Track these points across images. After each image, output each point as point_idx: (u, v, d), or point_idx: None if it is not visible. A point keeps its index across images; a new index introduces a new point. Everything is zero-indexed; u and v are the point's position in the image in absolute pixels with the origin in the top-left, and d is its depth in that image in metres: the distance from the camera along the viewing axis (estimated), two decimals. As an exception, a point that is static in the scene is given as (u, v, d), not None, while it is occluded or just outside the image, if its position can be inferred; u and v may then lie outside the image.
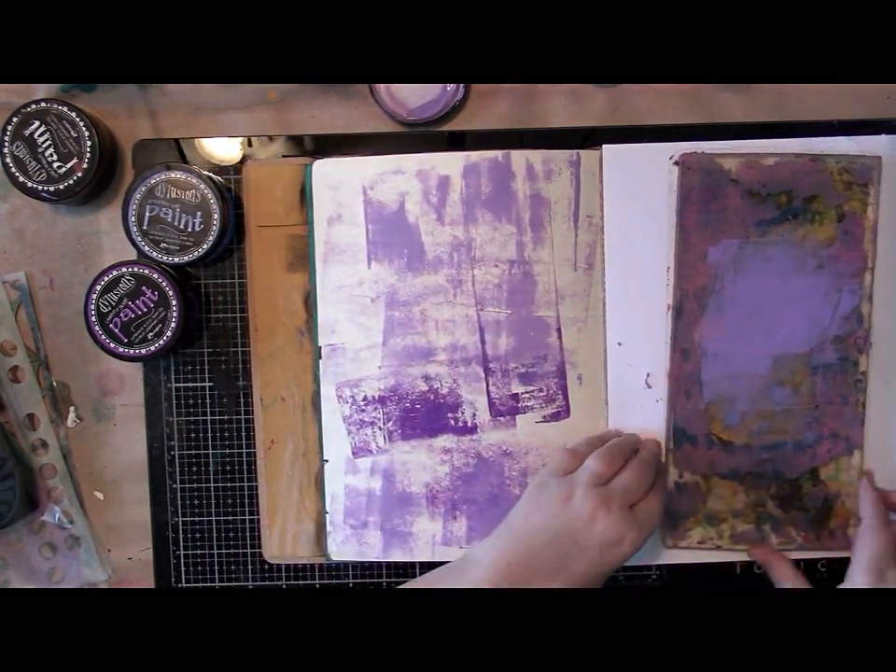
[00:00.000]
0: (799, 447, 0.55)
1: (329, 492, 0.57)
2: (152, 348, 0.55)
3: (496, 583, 0.47)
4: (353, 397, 0.57)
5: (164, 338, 0.55)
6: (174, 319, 0.55)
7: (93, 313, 0.55)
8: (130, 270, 0.54)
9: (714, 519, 0.55)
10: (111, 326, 0.55)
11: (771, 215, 0.54)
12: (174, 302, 0.54)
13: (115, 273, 0.54)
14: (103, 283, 0.55)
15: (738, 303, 0.55)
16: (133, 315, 0.55)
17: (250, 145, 0.58)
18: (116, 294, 0.54)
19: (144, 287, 0.54)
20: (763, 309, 0.55)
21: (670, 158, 0.55)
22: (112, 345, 0.55)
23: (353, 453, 0.57)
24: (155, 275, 0.54)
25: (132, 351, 0.55)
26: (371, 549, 0.57)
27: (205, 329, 0.58)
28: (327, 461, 0.57)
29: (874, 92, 0.58)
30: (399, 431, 0.57)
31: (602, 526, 0.47)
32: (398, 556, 0.57)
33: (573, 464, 0.50)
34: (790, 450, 0.55)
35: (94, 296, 0.55)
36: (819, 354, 0.55)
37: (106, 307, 0.55)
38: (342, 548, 0.57)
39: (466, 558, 0.50)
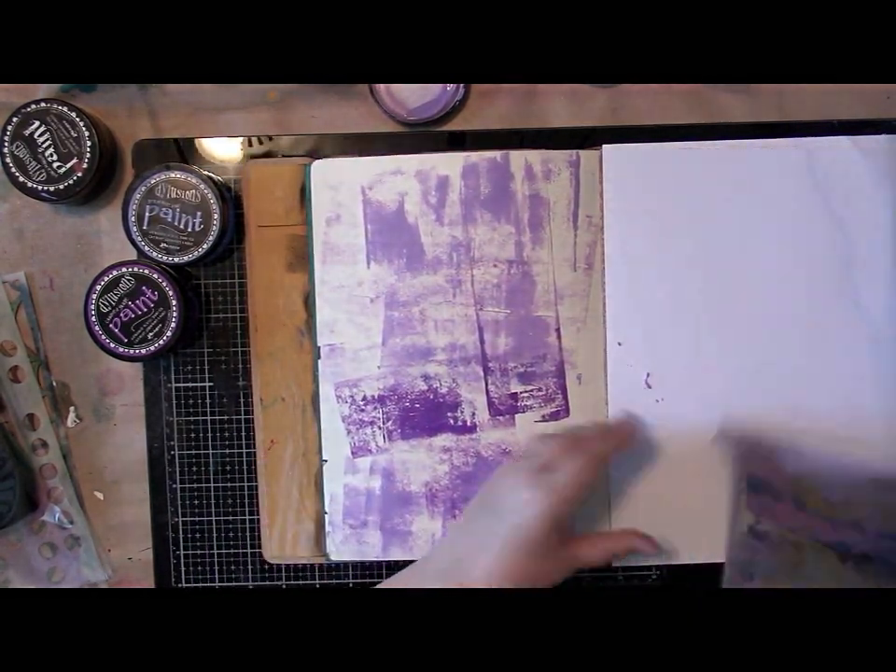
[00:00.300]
0: None
1: (328, 492, 0.57)
2: (152, 348, 0.55)
3: (445, 571, 0.47)
4: (352, 396, 0.57)
5: (164, 338, 0.55)
6: (174, 319, 0.55)
7: (93, 313, 0.55)
8: (130, 270, 0.54)
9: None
10: (111, 326, 0.55)
11: None
12: (174, 302, 0.54)
13: (115, 273, 0.54)
14: (103, 283, 0.55)
15: None
16: (132, 315, 0.55)
17: (250, 145, 0.58)
18: (116, 294, 0.54)
19: (144, 287, 0.54)
20: None
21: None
22: (112, 345, 0.55)
23: (352, 452, 0.57)
24: (155, 275, 0.54)
25: (132, 351, 0.55)
26: (371, 548, 0.57)
27: (205, 329, 0.58)
28: (326, 461, 0.57)
29: (874, 92, 0.58)
30: (399, 431, 0.57)
31: (507, 487, 0.48)
32: (397, 556, 0.57)
33: None
34: None
35: (94, 296, 0.55)
36: None
37: (106, 307, 0.55)
38: (341, 548, 0.57)
39: (425, 556, 0.51)
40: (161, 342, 0.55)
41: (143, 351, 0.55)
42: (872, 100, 0.58)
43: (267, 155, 0.58)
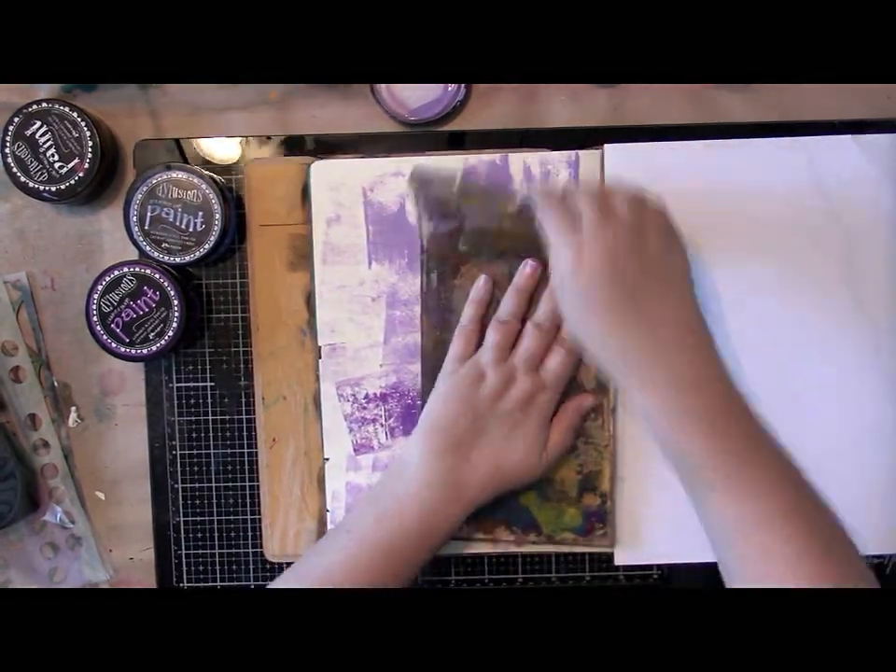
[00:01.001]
0: None
1: (330, 490, 0.57)
2: (154, 348, 0.55)
3: (431, 475, 0.51)
4: (354, 395, 0.57)
5: (166, 338, 0.55)
6: (175, 319, 0.55)
7: (95, 313, 0.55)
8: (131, 270, 0.55)
9: None
10: (113, 326, 0.55)
11: None
12: (175, 302, 0.55)
13: (116, 272, 0.55)
14: (104, 283, 0.55)
15: None
16: (134, 315, 0.55)
17: (253, 144, 0.58)
18: (117, 294, 0.55)
19: (145, 287, 0.55)
20: None
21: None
22: (113, 345, 0.55)
23: (354, 450, 0.57)
24: (156, 275, 0.54)
25: (133, 351, 0.55)
26: (372, 548, 0.57)
27: (207, 329, 0.58)
28: (328, 459, 0.57)
29: (874, 92, 0.58)
30: (401, 427, 0.57)
31: (512, 397, 0.52)
32: (399, 556, 0.57)
33: (471, 346, 0.54)
34: None
35: (96, 296, 0.55)
36: None
37: (108, 307, 0.55)
38: (343, 547, 0.57)
39: (398, 461, 0.53)
40: (162, 341, 0.55)
41: (144, 351, 0.55)
42: (872, 100, 0.58)
43: (268, 155, 0.58)
